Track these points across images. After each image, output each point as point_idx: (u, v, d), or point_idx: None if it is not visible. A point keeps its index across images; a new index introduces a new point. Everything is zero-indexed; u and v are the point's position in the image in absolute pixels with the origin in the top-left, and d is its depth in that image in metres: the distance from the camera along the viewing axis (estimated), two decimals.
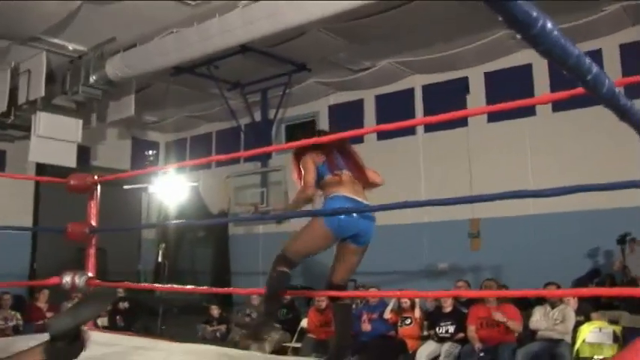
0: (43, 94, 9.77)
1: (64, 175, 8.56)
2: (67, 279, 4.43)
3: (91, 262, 4.68)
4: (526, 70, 9.69)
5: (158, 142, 14.60)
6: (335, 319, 3.90)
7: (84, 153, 11.95)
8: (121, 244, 12.65)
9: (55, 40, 9.63)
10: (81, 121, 10.64)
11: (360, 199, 3.62)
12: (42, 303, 9.19)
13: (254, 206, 10.65)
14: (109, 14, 8.71)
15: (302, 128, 11.51)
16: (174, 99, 11.97)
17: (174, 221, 10.72)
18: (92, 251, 4.71)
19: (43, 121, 10.24)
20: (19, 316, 8.81)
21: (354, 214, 3.51)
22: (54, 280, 4.57)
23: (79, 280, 4.42)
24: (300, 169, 3.73)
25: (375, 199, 9.82)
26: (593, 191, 2.97)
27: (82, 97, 10.11)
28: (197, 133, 13.88)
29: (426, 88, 10.79)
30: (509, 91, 9.83)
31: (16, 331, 8.38)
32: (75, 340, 1.91)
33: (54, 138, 10.35)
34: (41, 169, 11.54)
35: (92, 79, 9.71)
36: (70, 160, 10.54)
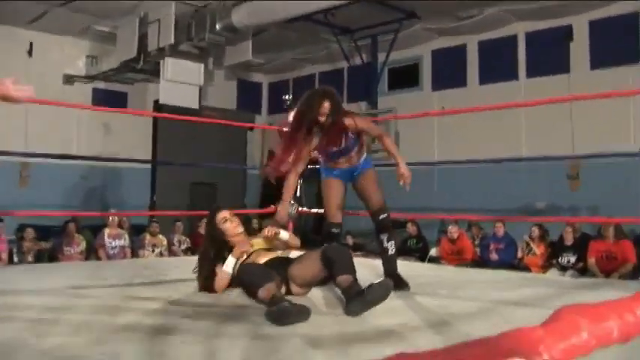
0: (172, 41, 10.96)
1: (182, 114, 9.64)
2: None
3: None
4: (632, 18, 10.36)
5: (261, 83, 15.87)
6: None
7: None
8: (229, 180, 14.00)
9: None
10: (202, 66, 11.83)
11: None
12: (203, 230, 10.65)
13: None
14: None
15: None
16: (284, 43, 13.07)
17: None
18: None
19: (171, 66, 11.45)
20: (189, 240, 10.30)
21: None
22: (271, 209, 5.77)
23: (291, 209, 5.60)
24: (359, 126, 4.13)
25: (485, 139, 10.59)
26: None
27: (206, 43, 11.22)
28: (300, 74, 15.00)
29: (529, 35, 11.55)
30: (613, 39, 10.59)
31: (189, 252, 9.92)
32: None
33: (179, 81, 11.59)
34: (158, 109, 12.83)
35: (218, 26, 10.80)
36: (193, 102, 11.84)
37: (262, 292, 3.19)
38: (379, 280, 3.20)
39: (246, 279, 3.43)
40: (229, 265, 3.75)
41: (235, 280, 3.69)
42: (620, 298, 0.86)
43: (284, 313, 2.92)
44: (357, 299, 3.09)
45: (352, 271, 3.33)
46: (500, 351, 0.69)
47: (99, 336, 2.53)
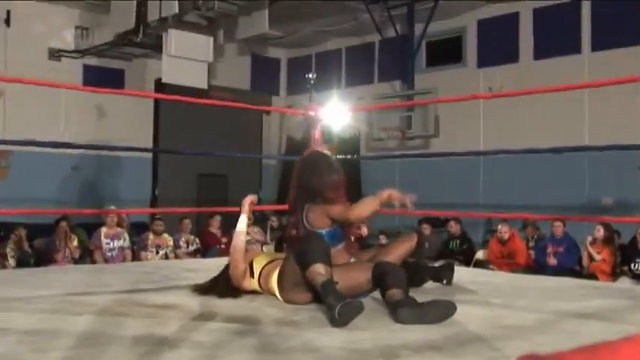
0: (176, 10, 11.02)
1: (187, 95, 9.80)
2: None
3: None
4: None
5: (279, 59, 15.94)
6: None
7: None
8: (242, 171, 14.12)
9: None
10: (212, 39, 11.92)
11: None
12: (215, 229, 10.80)
13: (401, 132, 11.78)
14: None
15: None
16: (306, 13, 13.10)
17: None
18: None
19: (175, 40, 11.53)
20: (197, 240, 10.44)
21: None
22: None
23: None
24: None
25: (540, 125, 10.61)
26: None
27: (215, 13, 11.29)
28: (324, 49, 15.03)
29: (596, 2, 11.45)
30: None
31: (197, 254, 10.07)
32: None
33: (185, 57, 11.67)
34: (160, 89, 12.95)
35: None
36: (200, 81, 11.91)
37: (320, 268, 3.34)
38: (444, 299, 3.31)
39: (306, 246, 3.50)
40: (242, 222, 3.85)
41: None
42: None
43: (353, 308, 3.09)
44: (412, 308, 3.20)
45: (405, 286, 3.43)
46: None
47: (104, 349, 2.58)
